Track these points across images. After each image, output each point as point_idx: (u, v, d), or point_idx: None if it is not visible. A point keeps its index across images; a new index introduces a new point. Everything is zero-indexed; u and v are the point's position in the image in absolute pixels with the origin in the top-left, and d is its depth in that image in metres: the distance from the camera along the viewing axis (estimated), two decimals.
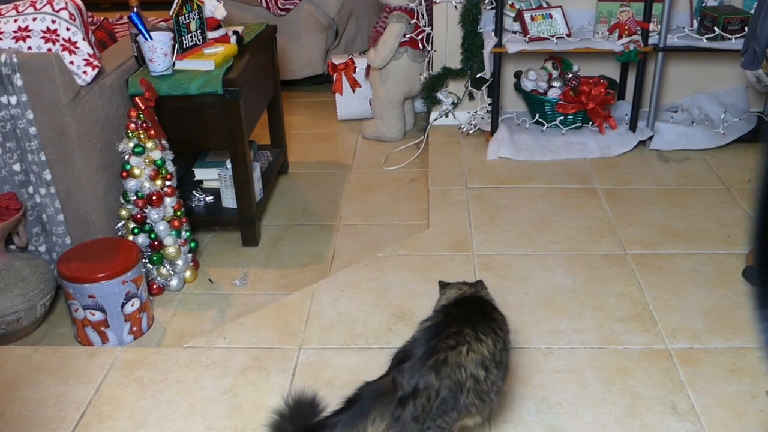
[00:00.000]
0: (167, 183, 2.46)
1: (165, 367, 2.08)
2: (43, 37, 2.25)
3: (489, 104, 3.52)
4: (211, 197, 2.96)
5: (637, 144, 3.36)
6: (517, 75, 3.54)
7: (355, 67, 3.92)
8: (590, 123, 3.41)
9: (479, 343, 1.50)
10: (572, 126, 3.41)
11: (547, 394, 1.93)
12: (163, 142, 2.46)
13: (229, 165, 2.77)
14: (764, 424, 1.82)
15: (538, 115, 3.45)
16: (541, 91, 3.42)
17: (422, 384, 1.44)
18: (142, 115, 2.37)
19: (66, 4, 2.29)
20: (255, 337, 2.21)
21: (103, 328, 2.24)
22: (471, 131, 3.58)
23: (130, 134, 2.37)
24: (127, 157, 2.38)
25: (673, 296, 2.33)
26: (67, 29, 2.26)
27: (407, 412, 1.44)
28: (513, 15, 3.31)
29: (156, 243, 2.47)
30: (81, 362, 2.11)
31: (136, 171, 2.38)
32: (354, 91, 3.97)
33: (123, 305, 2.23)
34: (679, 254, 2.56)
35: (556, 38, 3.19)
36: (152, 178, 2.40)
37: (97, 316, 2.21)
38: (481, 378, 1.49)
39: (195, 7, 2.62)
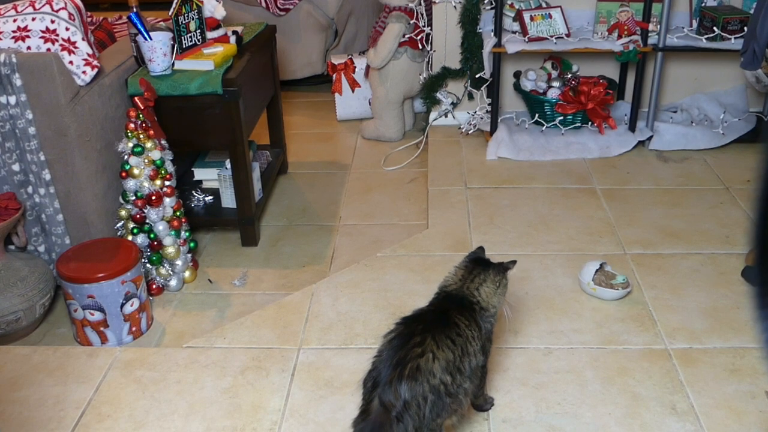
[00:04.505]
0: (166, 183, 2.45)
1: (164, 367, 2.08)
2: (42, 37, 2.25)
3: (488, 104, 3.52)
4: (211, 197, 2.95)
5: (637, 144, 3.36)
6: (517, 75, 3.54)
7: (355, 67, 3.91)
8: (590, 123, 3.41)
9: (441, 351, 1.54)
10: (572, 126, 3.41)
11: (546, 394, 1.93)
12: (163, 142, 2.46)
13: (228, 165, 2.77)
14: (764, 424, 1.82)
15: (537, 115, 3.45)
16: (541, 91, 3.42)
17: (408, 395, 1.48)
18: (141, 115, 2.37)
19: (65, 3, 2.28)
20: (254, 337, 2.20)
21: (102, 328, 2.24)
22: (470, 131, 3.58)
23: (129, 134, 2.37)
24: (126, 157, 2.38)
25: (673, 296, 2.33)
26: (67, 29, 2.26)
27: (409, 426, 1.48)
28: (512, 15, 3.31)
29: (155, 243, 2.47)
30: (80, 362, 2.10)
31: (136, 171, 2.38)
32: (353, 91, 3.97)
33: (122, 305, 2.23)
34: (679, 254, 2.56)
35: (556, 38, 3.19)
36: (151, 178, 2.40)
37: (97, 316, 2.21)
38: (449, 382, 1.54)
39: (194, 7, 2.62)
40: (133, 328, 2.29)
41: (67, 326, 2.37)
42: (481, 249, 1.85)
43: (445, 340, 1.56)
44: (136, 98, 2.38)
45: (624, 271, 2.46)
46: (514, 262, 1.80)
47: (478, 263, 1.79)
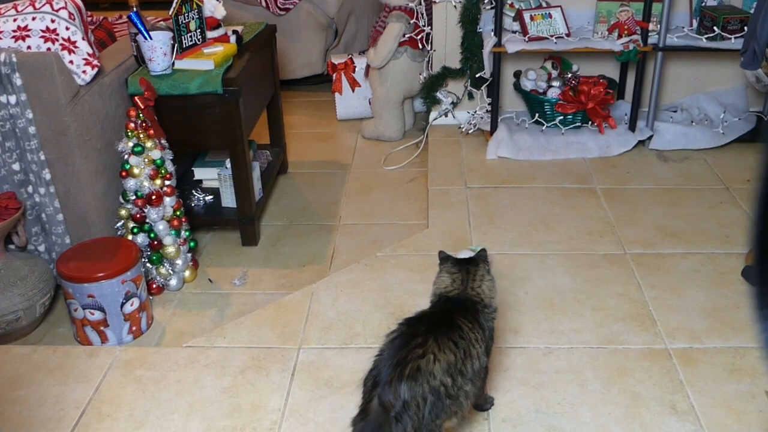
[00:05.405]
0: (166, 182, 2.45)
1: (164, 366, 2.08)
2: (42, 37, 2.25)
3: (488, 104, 3.52)
4: (211, 197, 2.95)
5: (637, 144, 3.36)
6: (517, 75, 3.54)
7: (355, 67, 3.91)
8: (590, 123, 3.41)
9: (442, 353, 1.54)
10: (572, 126, 3.41)
11: (546, 394, 1.93)
12: (163, 141, 2.45)
13: (228, 164, 2.77)
14: (764, 424, 1.82)
15: (537, 114, 3.45)
16: (541, 91, 3.42)
17: (408, 395, 1.48)
18: (141, 115, 2.37)
19: (65, 3, 2.28)
20: (254, 336, 2.21)
21: (102, 328, 2.24)
22: (470, 131, 3.58)
23: (129, 134, 2.37)
24: (126, 156, 2.38)
25: (673, 296, 2.33)
26: (67, 28, 2.26)
27: (408, 426, 1.48)
28: (512, 15, 3.31)
29: (155, 242, 2.47)
30: (80, 362, 2.10)
31: (136, 170, 2.38)
32: (353, 91, 3.97)
33: (122, 305, 2.23)
34: (679, 254, 2.56)
35: (556, 38, 3.19)
36: (152, 178, 2.40)
37: (97, 315, 2.21)
38: (449, 384, 1.53)
39: (194, 6, 2.62)
40: (133, 328, 2.29)
41: (67, 326, 2.37)
42: (442, 252, 1.87)
43: (447, 342, 1.56)
44: (136, 98, 2.38)
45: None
46: (484, 249, 1.84)
47: (465, 263, 1.80)
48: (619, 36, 3.18)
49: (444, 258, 1.84)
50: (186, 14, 2.59)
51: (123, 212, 2.44)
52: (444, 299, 1.75)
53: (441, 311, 1.70)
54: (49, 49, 2.25)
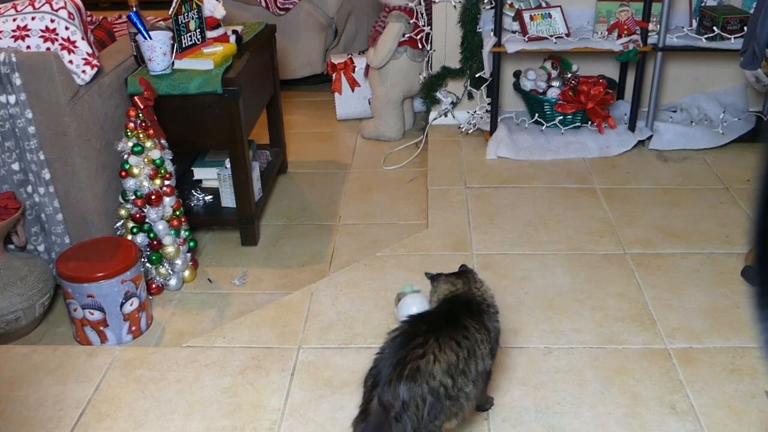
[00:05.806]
0: (166, 182, 2.45)
1: (164, 366, 2.08)
2: (41, 36, 2.25)
3: (488, 104, 3.51)
4: (210, 197, 2.95)
5: (637, 144, 3.36)
6: (517, 75, 3.54)
7: (354, 67, 3.91)
8: (589, 123, 3.41)
9: (443, 353, 1.54)
10: (571, 126, 3.41)
11: (546, 394, 1.93)
12: (162, 141, 2.45)
13: (228, 164, 2.76)
14: (763, 424, 1.82)
15: (537, 114, 3.45)
16: (541, 91, 3.42)
17: (407, 395, 1.48)
18: (141, 115, 2.37)
19: (65, 3, 2.28)
20: (254, 336, 2.20)
21: (102, 328, 2.24)
22: (470, 131, 3.58)
23: (129, 133, 2.37)
24: (126, 156, 2.38)
25: (673, 296, 2.33)
26: (66, 28, 2.26)
27: (407, 426, 1.48)
28: (512, 15, 3.31)
29: (155, 242, 2.47)
30: (80, 362, 2.10)
31: (135, 170, 2.38)
32: (353, 91, 3.97)
33: (122, 305, 2.23)
34: (679, 254, 2.56)
35: (556, 38, 3.18)
36: (151, 178, 2.40)
37: (96, 315, 2.21)
38: (449, 385, 1.53)
39: (194, 6, 2.62)
40: (133, 328, 2.29)
41: (66, 326, 2.37)
42: (428, 273, 1.90)
43: (449, 342, 1.55)
44: (135, 97, 2.38)
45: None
46: (464, 264, 1.92)
47: (459, 274, 1.84)
48: (619, 36, 3.18)
49: (435, 275, 1.85)
50: (186, 14, 2.59)
51: (122, 212, 2.44)
52: (449, 299, 1.75)
53: (446, 311, 1.70)
54: (48, 48, 2.25)
